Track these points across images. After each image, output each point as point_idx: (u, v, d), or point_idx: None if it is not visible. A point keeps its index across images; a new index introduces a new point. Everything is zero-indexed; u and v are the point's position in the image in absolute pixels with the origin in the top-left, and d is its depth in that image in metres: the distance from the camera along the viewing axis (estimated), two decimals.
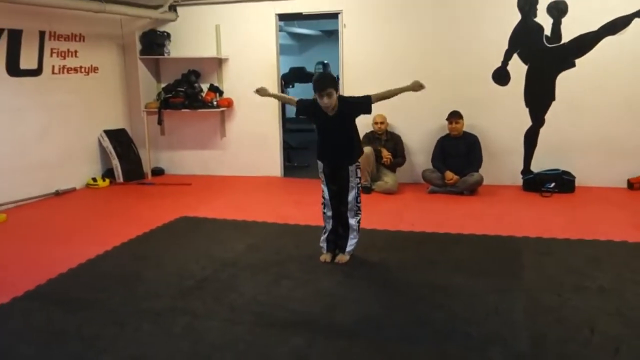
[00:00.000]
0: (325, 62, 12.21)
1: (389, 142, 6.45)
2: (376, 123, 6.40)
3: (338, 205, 3.95)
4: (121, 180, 6.89)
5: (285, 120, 12.09)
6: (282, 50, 12.70)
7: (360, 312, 3.18)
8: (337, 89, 3.70)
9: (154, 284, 3.60)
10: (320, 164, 3.95)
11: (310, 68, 12.21)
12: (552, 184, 5.93)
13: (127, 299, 3.37)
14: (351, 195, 3.89)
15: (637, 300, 3.28)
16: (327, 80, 3.69)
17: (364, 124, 6.16)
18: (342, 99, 3.81)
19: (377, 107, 6.30)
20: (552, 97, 6.14)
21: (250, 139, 7.21)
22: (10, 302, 3.33)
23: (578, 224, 4.86)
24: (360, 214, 3.95)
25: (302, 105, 3.96)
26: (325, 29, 12.13)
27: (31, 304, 3.33)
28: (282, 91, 10.54)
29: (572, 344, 2.79)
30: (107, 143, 6.95)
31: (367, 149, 6.16)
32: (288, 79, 12.41)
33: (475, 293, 3.41)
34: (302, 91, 11.47)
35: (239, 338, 2.88)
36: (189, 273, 3.78)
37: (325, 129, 3.88)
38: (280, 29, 11.66)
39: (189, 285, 3.58)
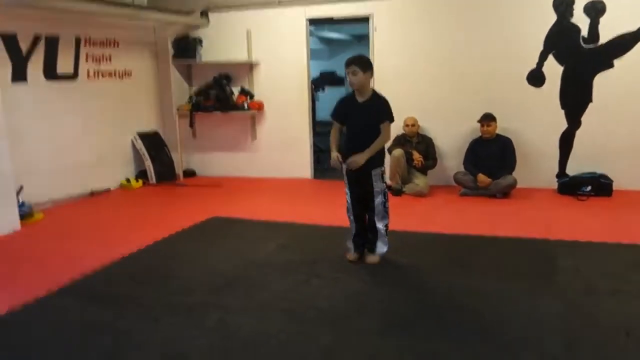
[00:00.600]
0: None
1: (420, 144, 6.40)
2: (407, 125, 6.37)
3: (362, 210, 3.93)
4: (154, 181, 7.00)
5: (315, 123, 12.15)
6: (312, 54, 12.70)
7: (389, 312, 3.16)
8: (364, 70, 3.70)
9: (187, 281, 3.64)
10: (344, 167, 3.92)
11: (341, 72, 12.20)
12: (589, 188, 5.79)
13: (160, 295, 3.42)
14: (377, 201, 3.86)
15: None
16: (355, 58, 3.74)
17: (395, 126, 6.15)
18: (376, 93, 3.86)
19: (408, 110, 6.39)
20: (589, 99, 6.01)
21: (281, 142, 7.25)
22: (46, 297, 3.41)
23: (615, 228, 4.73)
24: (387, 218, 3.92)
25: (334, 111, 3.97)
26: (355, 33, 12.13)
27: (66, 298, 3.41)
28: (313, 95, 10.62)
29: (607, 349, 2.71)
30: (140, 145, 7.08)
31: (398, 152, 6.14)
32: (318, 83, 12.46)
33: (507, 296, 3.34)
34: (333, 95, 11.50)
35: (271, 335, 2.89)
36: (220, 271, 3.81)
37: (353, 120, 3.85)
38: (310, 34, 11.73)
39: (221, 282, 3.61)
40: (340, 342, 2.81)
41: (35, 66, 5.76)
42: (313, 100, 10.28)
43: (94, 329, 2.98)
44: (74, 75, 6.28)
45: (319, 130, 11.87)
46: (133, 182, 6.89)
